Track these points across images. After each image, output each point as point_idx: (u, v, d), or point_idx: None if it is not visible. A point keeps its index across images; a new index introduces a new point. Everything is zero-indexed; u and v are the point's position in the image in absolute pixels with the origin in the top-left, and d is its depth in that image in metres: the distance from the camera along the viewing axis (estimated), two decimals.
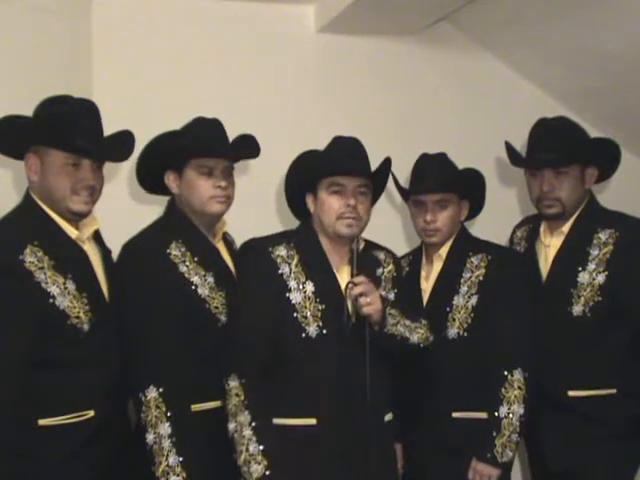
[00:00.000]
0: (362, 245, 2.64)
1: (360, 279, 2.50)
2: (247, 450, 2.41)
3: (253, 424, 2.43)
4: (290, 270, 2.58)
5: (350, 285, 2.51)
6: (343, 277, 2.62)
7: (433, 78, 3.96)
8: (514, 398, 2.71)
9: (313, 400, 2.53)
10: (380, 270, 2.71)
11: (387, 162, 2.69)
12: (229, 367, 2.50)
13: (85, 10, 3.49)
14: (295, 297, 2.56)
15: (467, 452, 2.75)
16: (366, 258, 2.64)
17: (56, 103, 2.49)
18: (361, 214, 2.59)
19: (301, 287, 2.57)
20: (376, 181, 2.68)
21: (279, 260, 2.59)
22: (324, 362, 2.54)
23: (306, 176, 2.64)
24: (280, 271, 2.57)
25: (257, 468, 2.40)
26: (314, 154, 2.68)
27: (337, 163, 2.59)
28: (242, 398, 2.45)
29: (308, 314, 2.55)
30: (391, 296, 2.69)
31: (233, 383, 2.48)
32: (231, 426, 2.46)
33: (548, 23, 3.58)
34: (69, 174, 2.43)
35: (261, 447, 2.41)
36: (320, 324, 2.54)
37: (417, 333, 2.65)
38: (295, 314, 2.55)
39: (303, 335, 2.54)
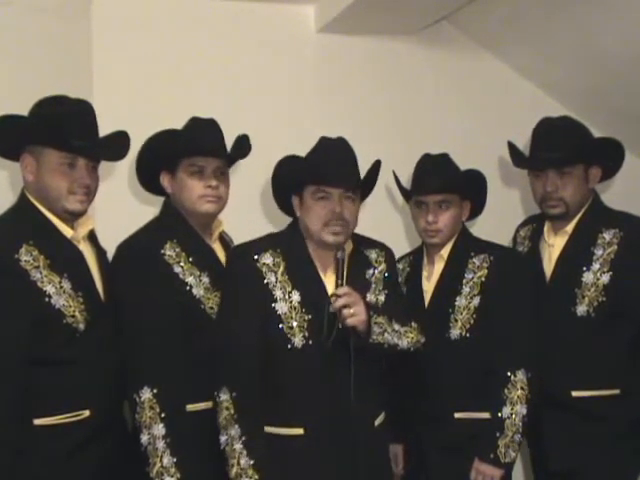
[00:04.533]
0: (350, 248, 2.61)
1: (343, 290, 2.45)
2: (239, 464, 2.43)
3: (243, 438, 2.43)
4: (276, 279, 2.53)
5: (333, 298, 2.46)
6: (331, 282, 2.56)
7: (433, 78, 3.95)
8: (517, 399, 2.69)
9: (300, 410, 2.51)
10: (370, 271, 2.66)
11: (375, 167, 2.62)
12: (220, 380, 2.48)
13: (85, 10, 3.49)
14: (281, 307, 2.52)
15: (469, 452, 2.73)
16: (356, 259, 2.61)
17: (52, 103, 2.48)
18: (348, 219, 2.54)
19: (287, 297, 2.53)
20: (365, 183, 2.63)
21: (264, 269, 2.54)
22: (310, 373, 2.51)
23: (290, 182, 2.59)
24: (266, 281, 2.53)
25: None
26: (298, 160, 2.61)
27: (322, 172, 2.52)
28: (232, 412, 2.45)
29: (294, 324, 2.51)
30: (382, 298, 2.64)
31: (224, 397, 2.47)
32: (222, 439, 2.46)
33: (548, 23, 3.57)
34: (65, 174, 2.43)
35: (252, 461, 2.42)
36: (306, 334, 2.50)
37: (407, 337, 2.61)
38: (281, 325, 2.51)
39: (289, 346, 2.50)
